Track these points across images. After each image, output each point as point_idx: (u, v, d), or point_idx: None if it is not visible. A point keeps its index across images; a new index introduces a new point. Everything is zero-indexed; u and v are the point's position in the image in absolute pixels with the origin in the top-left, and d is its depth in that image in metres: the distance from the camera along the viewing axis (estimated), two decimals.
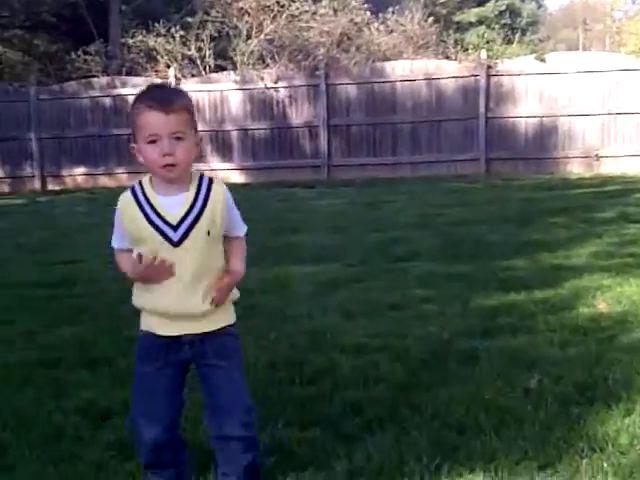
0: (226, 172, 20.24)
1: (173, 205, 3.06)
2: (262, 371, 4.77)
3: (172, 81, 20.22)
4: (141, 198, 3.09)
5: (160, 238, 3.04)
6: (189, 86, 20.31)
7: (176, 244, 3.04)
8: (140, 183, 3.14)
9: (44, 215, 15.10)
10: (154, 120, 2.98)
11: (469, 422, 3.91)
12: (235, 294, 3.26)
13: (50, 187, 21.21)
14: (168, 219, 3.05)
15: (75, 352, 5.26)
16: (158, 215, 3.05)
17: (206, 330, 3.14)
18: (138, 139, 3.03)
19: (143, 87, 3.18)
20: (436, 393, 4.31)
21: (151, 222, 3.05)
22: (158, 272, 3.04)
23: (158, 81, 20.51)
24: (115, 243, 3.21)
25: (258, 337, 5.54)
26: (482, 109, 19.50)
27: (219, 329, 3.18)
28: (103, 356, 5.16)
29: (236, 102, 20.53)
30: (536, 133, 19.52)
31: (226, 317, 3.22)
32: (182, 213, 3.05)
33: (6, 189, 21.36)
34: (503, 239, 9.32)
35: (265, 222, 11.94)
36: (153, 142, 2.99)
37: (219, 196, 3.11)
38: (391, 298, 6.70)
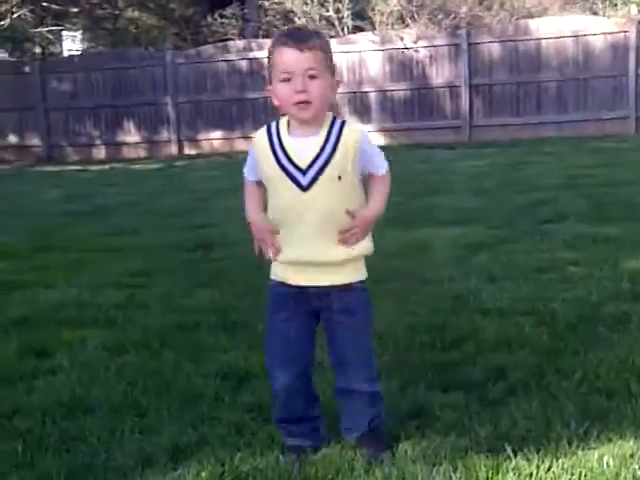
0: None
1: (304, 148, 3.04)
2: (402, 335, 4.68)
3: None
4: (274, 138, 3.08)
5: (289, 181, 3.04)
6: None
7: (305, 188, 3.02)
8: (277, 122, 3.13)
9: (180, 179, 15.37)
10: (288, 57, 2.98)
11: (619, 387, 3.76)
12: (368, 248, 3.19)
13: (186, 151, 21.52)
14: (297, 162, 3.03)
15: (213, 316, 5.28)
16: (288, 158, 3.04)
17: (332, 283, 3.11)
18: (273, 79, 3.04)
19: None
20: (584, 358, 4.16)
21: (280, 164, 3.04)
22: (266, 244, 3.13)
23: None
24: (246, 172, 3.24)
25: (398, 300, 5.46)
26: (632, 66, 18.77)
27: (347, 284, 3.14)
28: (241, 320, 5.16)
29: (375, 63, 20.36)
30: None
31: (355, 272, 3.17)
32: (312, 157, 3.02)
33: (143, 154, 21.73)
34: None
35: (405, 184, 11.79)
36: (287, 80, 2.98)
37: (351, 140, 3.05)
38: (536, 261, 6.52)
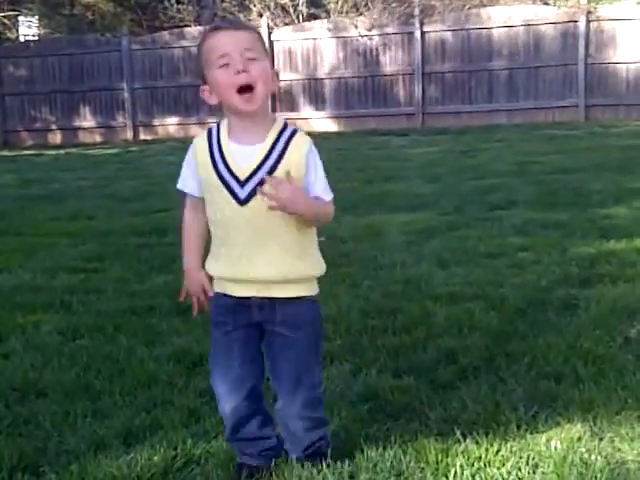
0: (319, 120, 20.20)
1: (245, 156, 2.72)
2: (355, 319, 4.72)
3: (265, 30, 20.15)
4: (214, 144, 2.77)
5: (226, 193, 2.72)
6: (282, 34, 20.28)
7: (242, 202, 2.71)
8: (218, 126, 2.82)
9: (135, 164, 15.30)
10: (224, 39, 2.68)
11: (567, 371, 3.81)
12: (317, 269, 2.87)
13: (142, 137, 21.45)
14: (237, 172, 2.71)
15: (167, 300, 5.26)
16: (227, 167, 2.73)
17: (277, 295, 2.79)
18: (208, 72, 2.71)
19: None
20: (533, 342, 4.22)
21: (218, 173, 2.73)
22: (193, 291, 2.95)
23: None
24: (181, 184, 2.91)
25: (351, 285, 5.50)
26: (582, 55, 19.01)
27: (295, 297, 2.82)
28: None
29: (329, 50, 20.38)
30: (638, 79, 18.92)
31: (305, 287, 2.85)
32: (253, 167, 2.70)
33: (98, 139, 21.67)
34: (603, 187, 9.08)
35: (358, 171, 11.88)
36: (225, 65, 2.66)
37: (298, 151, 2.72)
38: (486, 246, 6.59)
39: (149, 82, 21.38)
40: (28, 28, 30.17)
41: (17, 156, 18.19)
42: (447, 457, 3.02)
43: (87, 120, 21.92)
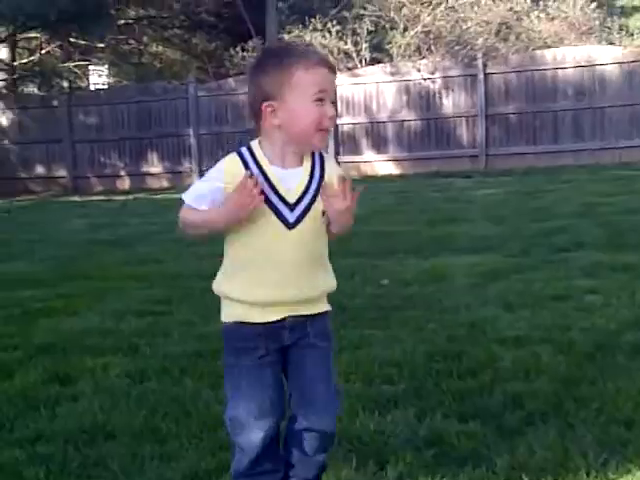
0: (381, 163, 20.27)
1: (289, 180, 2.69)
2: (419, 362, 4.70)
3: None
4: (252, 166, 2.69)
5: (274, 218, 2.67)
6: (344, 79, 20.41)
7: (291, 226, 2.68)
8: (249, 148, 2.76)
9: None
10: (327, 77, 2.67)
11: (637, 417, 3.74)
12: (332, 284, 2.87)
13: None
14: (285, 196, 2.68)
15: None
16: (274, 190, 2.67)
17: (311, 312, 2.78)
18: (291, 97, 2.64)
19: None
20: (602, 387, 4.15)
21: (265, 197, 2.65)
22: (247, 200, 2.62)
23: None
24: (193, 201, 2.77)
25: (415, 328, 5.47)
26: None
27: (322, 312, 2.84)
28: None
29: (391, 94, 20.46)
30: None
31: (325, 303, 2.86)
32: (301, 190, 2.69)
33: (165, 184, 21.96)
34: None
35: (421, 213, 11.86)
36: (319, 101, 2.64)
37: (333, 170, 2.75)
38: (553, 289, 6.52)
39: (215, 128, 21.66)
40: (98, 77, 30.88)
41: (86, 202, 18.51)
42: None
43: (154, 166, 22.27)
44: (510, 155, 19.66)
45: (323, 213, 2.70)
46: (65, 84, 27.95)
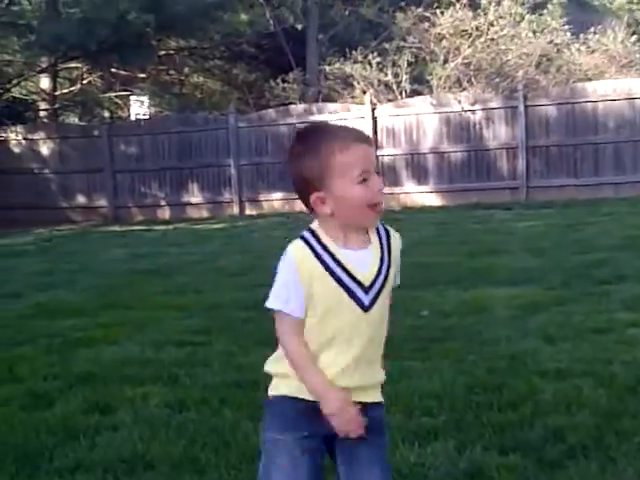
0: (421, 195, 20.25)
1: (360, 261, 2.57)
2: (459, 394, 4.68)
3: (368, 106, 20.41)
4: (320, 251, 2.56)
5: (349, 300, 2.54)
6: (385, 110, 20.47)
7: (367, 308, 2.56)
8: (312, 232, 2.61)
9: (242, 239, 15.54)
10: (364, 153, 2.55)
11: None
12: (383, 375, 2.72)
13: (248, 212, 21.75)
14: (360, 278, 2.55)
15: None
16: (347, 273, 2.55)
17: (372, 400, 2.63)
18: (333, 183, 2.54)
19: (333, 116, 2.88)
20: None
21: (340, 282, 2.54)
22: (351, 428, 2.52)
23: (355, 107, 20.79)
24: (279, 304, 2.58)
25: (455, 360, 5.46)
26: None
27: (376, 402, 2.66)
28: None
29: (432, 125, 20.47)
30: None
31: (380, 394, 2.70)
32: (374, 271, 2.58)
33: (205, 214, 22.05)
34: None
35: (461, 244, 11.83)
36: (364, 181, 2.52)
37: (398, 248, 2.66)
38: (594, 322, 6.47)
39: (255, 158, 21.78)
40: (139, 107, 31.23)
41: (127, 231, 18.66)
42: None
43: (195, 196, 22.41)
44: (550, 187, 19.55)
45: (392, 289, 2.64)
46: (106, 114, 28.33)
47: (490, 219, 15.97)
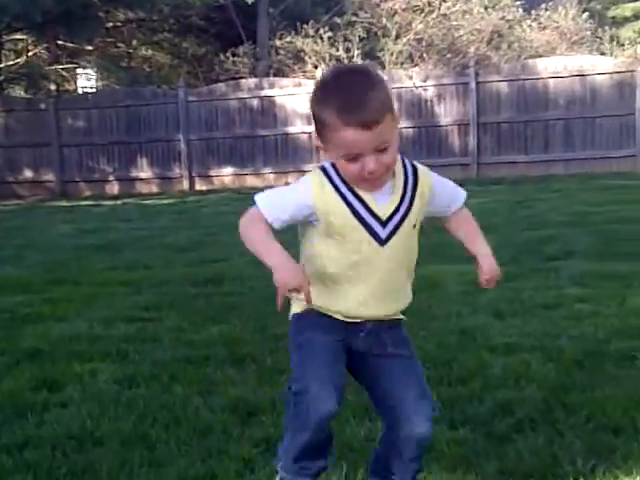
0: None
1: (381, 198, 2.66)
2: None
3: None
4: (338, 182, 2.65)
5: (366, 234, 2.66)
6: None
7: (383, 242, 2.67)
8: (333, 164, 2.67)
9: (191, 215, 15.45)
10: (352, 139, 2.51)
11: (626, 424, 3.75)
12: (410, 297, 2.91)
13: (198, 187, 21.68)
14: (377, 212, 2.66)
15: (222, 350, 5.30)
16: (365, 206, 2.65)
17: (390, 318, 2.81)
18: (328, 146, 2.61)
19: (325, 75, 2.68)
20: (591, 394, 4.15)
21: (356, 214, 2.64)
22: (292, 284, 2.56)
23: (306, 82, 20.72)
24: (268, 208, 2.68)
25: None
26: (639, 104, 18.87)
27: (399, 320, 2.88)
28: (250, 354, 5.18)
29: None
30: None
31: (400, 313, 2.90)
32: (392, 207, 2.67)
33: (155, 189, 21.95)
34: None
35: None
36: (354, 160, 2.55)
37: (426, 188, 2.76)
38: (543, 297, 6.53)
39: (205, 133, 21.66)
40: (87, 80, 30.85)
41: (75, 206, 18.47)
42: None
43: (144, 171, 22.24)
44: (501, 164, 19.71)
45: (414, 226, 2.74)
46: (53, 87, 27.92)
47: None
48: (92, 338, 5.86)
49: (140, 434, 3.91)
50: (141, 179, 22.26)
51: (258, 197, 2.72)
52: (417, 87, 20.25)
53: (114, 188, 22.33)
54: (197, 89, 22.77)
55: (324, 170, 2.68)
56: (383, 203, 2.67)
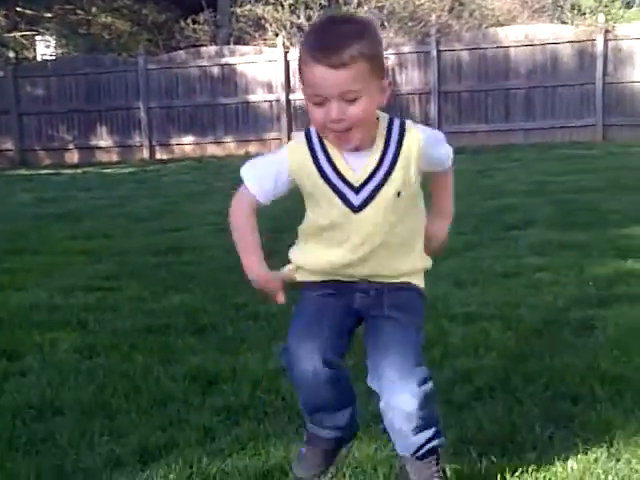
0: None
1: (356, 160, 2.54)
2: None
3: (280, 50, 20.24)
4: (317, 147, 2.56)
5: (337, 200, 2.56)
6: (297, 54, 20.33)
7: (356, 209, 2.56)
8: (318, 131, 2.59)
9: (152, 184, 15.34)
10: (319, 77, 2.39)
11: (584, 392, 3.79)
12: (427, 261, 2.87)
13: (158, 156, 21.52)
14: (349, 178, 2.54)
15: (183, 319, 5.30)
16: (338, 173, 2.55)
17: (392, 281, 2.71)
18: (304, 87, 2.50)
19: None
20: (550, 362, 4.20)
21: (328, 180, 2.55)
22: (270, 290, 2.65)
23: (267, 50, 20.61)
24: (254, 181, 2.63)
25: None
26: (599, 74, 18.97)
27: (404, 282, 2.75)
28: (211, 323, 5.18)
29: None
30: None
31: (413, 277, 2.80)
32: (367, 173, 2.54)
33: (115, 158, 21.77)
34: (621, 207, 9.03)
35: None
36: (320, 105, 2.44)
37: (414, 149, 2.56)
38: (503, 266, 6.57)
39: (165, 101, 21.49)
40: (46, 47, 30.43)
41: (34, 175, 18.29)
42: (463, 477, 3.01)
43: (104, 139, 22.04)
44: (462, 133, 19.72)
45: (399, 194, 2.58)
46: (11, 54, 27.50)
47: None
48: (52, 307, 5.82)
49: (100, 403, 3.90)
50: (101, 148, 22.05)
51: (243, 170, 2.66)
52: None
53: (74, 157, 22.11)
54: (157, 57, 22.54)
55: (306, 133, 2.62)
56: (359, 167, 2.55)
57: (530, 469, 3.05)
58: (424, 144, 2.58)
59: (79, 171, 18.88)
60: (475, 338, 4.65)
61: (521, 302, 5.43)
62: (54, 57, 28.79)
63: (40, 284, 6.64)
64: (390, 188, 2.55)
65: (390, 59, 20.16)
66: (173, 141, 21.61)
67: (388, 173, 2.54)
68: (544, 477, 2.99)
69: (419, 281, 2.81)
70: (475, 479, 3.00)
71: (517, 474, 3.02)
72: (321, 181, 2.56)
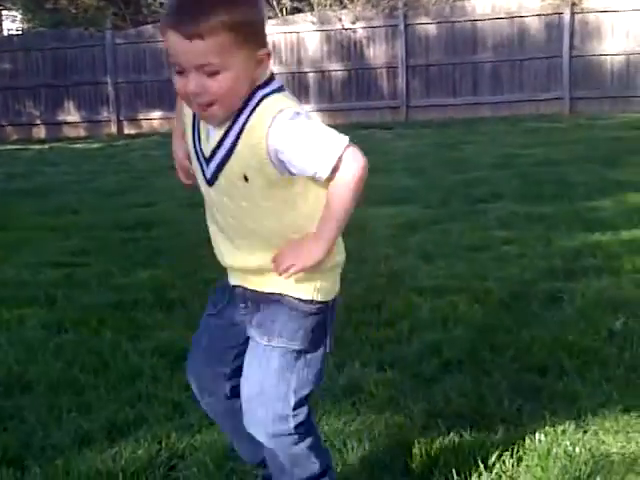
0: None
1: (213, 133, 2.28)
2: (338, 312, 4.70)
3: None
4: (197, 116, 2.33)
5: (198, 168, 2.35)
6: (270, 28, 20.21)
7: (209, 182, 2.32)
8: None
9: (120, 159, 15.24)
10: (172, 46, 2.14)
11: (551, 364, 3.83)
12: (332, 260, 2.54)
13: (126, 131, 21.35)
14: (203, 147, 2.31)
15: (151, 294, 5.29)
16: (197, 137, 2.34)
17: (254, 288, 2.37)
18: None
19: None
20: (517, 335, 4.24)
21: (194, 147, 2.35)
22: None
23: None
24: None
25: None
26: (566, 47, 19.01)
27: (272, 294, 2.35)
28: (179, 298, 5.18)
29: (313, 44, 20.34)
30: (623, 71, 18.95)
31: (291, 284, 2.33)
32: (213, 146, 2.27)
33: (83, 133, 21.58)
34: (588, 179, 9.10)
35: None
36: (180, 73, 2.18)
37: (258, 130, 2.18)
38: (471, 240, 6.61)
39: (133, 76, 21.31)
40: (11, 22, 30.06)
41: (1, 150, 18.12)
42: (431, 450, 3.03)
43: (71, 114, 21.84)
44: (430, 107, 19.74)
45: (245, 178, 2.22)
46: None
47: (370, 139, 16.03)
48: (19, 284, 5.80)
49: (69, 379, 3.90)
50: (68, 123, 21.85)
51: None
52: (346, 29, 20.13)
53: (41, 132, 21.90)
54: (124, 31, 22.31)
55: None
56: (213, 139, 2.28)
57: (498, 441, 3.08)
58: (268, 125, 2.18)
59: (46, 146, 18.72)
60: (443, 311, 4.68)
61: (489, 275, 5.47)
62: (20, 32, 28.45)
63: (7, 260, 6.60)
64: (234, 164, 2.24)
65: (358, 33, 20.11)
66: (141, 116, 21.45)
67: (233, 145, 2.22)
68: (512, 449, 3.02)
69: (302, 290, 2.36)
70: (444, 452, 3.02)
71: (485, 447, 3.04)
72: (191, 146, 2.38)
